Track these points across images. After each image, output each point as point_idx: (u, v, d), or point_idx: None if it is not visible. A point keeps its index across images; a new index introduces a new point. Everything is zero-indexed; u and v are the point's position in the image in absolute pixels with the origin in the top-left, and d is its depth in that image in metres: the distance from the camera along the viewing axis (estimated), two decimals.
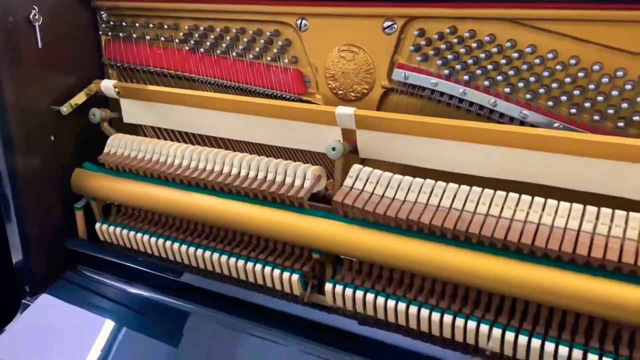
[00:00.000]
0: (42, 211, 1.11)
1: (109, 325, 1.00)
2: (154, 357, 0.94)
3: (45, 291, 1.07)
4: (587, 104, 0.75)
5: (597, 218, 0.70)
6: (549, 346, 0.72)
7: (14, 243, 1.09)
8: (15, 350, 1.00)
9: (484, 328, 0.75)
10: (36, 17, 1.04)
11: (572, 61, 0.75)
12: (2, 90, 1.03)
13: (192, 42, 1.06)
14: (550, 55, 0.77)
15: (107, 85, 1.12)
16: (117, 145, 1.09)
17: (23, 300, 1.09)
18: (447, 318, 0.77)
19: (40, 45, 1.07)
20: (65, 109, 1.10)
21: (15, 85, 1.04)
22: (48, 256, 1.12)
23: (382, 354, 0.82)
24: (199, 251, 0.97)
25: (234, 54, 1.01)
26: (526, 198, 0.74)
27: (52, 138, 1.12)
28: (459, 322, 0.77)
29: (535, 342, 0.73)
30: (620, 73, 0.73)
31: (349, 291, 0.83)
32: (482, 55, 0.81)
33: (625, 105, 0.73)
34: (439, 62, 0.83)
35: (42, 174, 1.10)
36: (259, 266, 0.91)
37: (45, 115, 1.10)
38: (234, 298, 0.94)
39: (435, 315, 0.77)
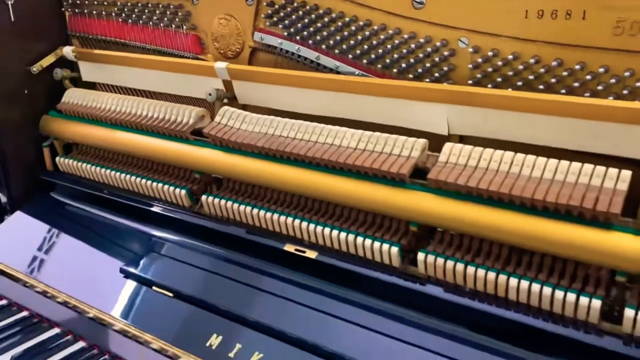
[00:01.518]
0: (18, 148, 1.43)
1: (66, 236, 1.32)
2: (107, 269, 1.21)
3: (19, 209, 1.41)
4: (373, 56, 1.00)
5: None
6: None
7: None
8: None
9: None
10: None
11: (366, 24, 1.00)
12: None
13: (124, 15, 1.35)
14: (349, 20, 1.02)
15: (67, 51, 1.43)
16: (72, 96, 1.40)
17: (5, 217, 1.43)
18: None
19: (12, 19, 1.39)
20: (35, 69, 1.42)
21: None
22: (23, 183, 1.45)
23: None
24: (136, 179, 1.26)
25: (151, 23, 1.29)
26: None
27: (26, 92, 1.44)
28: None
29: None
30: (397, 31, 0.98)
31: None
32: (308, 21, 1.06)
33: (398, 55, 0.98)
34: (281, 26, 1.09)
35: (18, 120, 1.43)
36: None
37: (20, 74, 1.42)
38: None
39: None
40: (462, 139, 0.95)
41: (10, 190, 1.43)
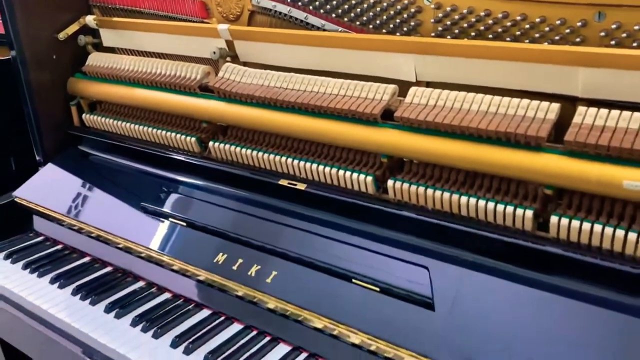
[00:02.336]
0: (49, 107, 1.62)
1: (93, 182, 1.51)
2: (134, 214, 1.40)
3: (51, 162, 1.60)
4: (353, 15, 1.15)
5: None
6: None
7: (31, 129, 1.61)
8: (33, 195, 1.53)
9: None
10: None
11: None
12: (17, 26, 1.53)
13: None
14: None
15: (90, 19, 1.60)
16: (94, 60, 1.58)
17: (39, 168, 1.62)
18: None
19: None
20: (61, 36, 1.59)
21: (26, 21, 1.53)
22: (54, 138, 1.63)
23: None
24: (152, 130, 1.45)
25: None
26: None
27: (54, 57, 1.62)
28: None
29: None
30: None
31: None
32: None
33: (373, 14, 1.13)
34: None
35: (48, 82, 1.61)
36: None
37: (48, 41, 1.59)
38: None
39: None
40: (428, 85, 1.10)
41: (42, 144, 1.62)
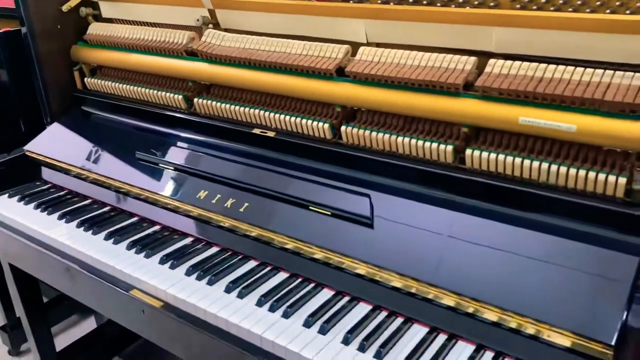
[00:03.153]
0: (54, 73, 1.81)
1: (95, 138, 1.71)
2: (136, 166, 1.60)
3: (57, 121, 1.80)
4: None
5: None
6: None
7: (39, 92, 1.81)
8: (42, 149, 1.73)
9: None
10: None
11: None
12: (26, 0, 1.72)
13: None
14: None
15: None
16: (95, 29, 1.77)
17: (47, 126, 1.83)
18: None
19: None
20: (65, 8, 1.78)
21: None
22: (59, 100, 1.83)
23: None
24: (145, 90, 1.65)
25: None
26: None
27: (59, 27, 1.81)
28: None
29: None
30: None
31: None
32: None
33: None
34: None
35: (54, 50, 1.80)
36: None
37: (53, 13, 1.78)
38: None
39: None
40: (379, 45, 1.29)
41: (50, 106, 1.82)
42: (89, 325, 2.32)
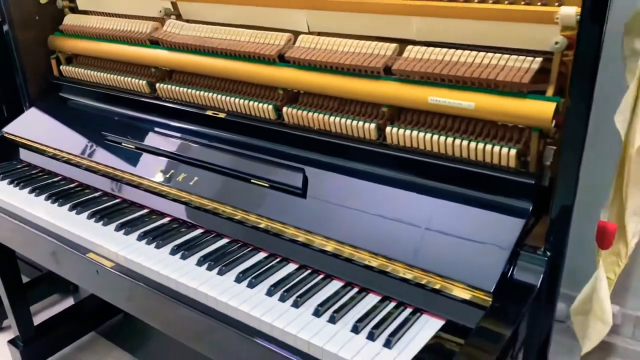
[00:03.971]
0: (33, 61, 1.94)
1: (69, 121, 1.84)
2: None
3: (34, 105, 1.93)
4: None
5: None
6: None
7: (18, 80, 1.94)
8: (20, 130, 1.86)
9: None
10: None
11: None
12: None
13: None
14: None
15: None
16: (71, 20, 1.90)
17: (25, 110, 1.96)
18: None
19: None
20: (43, 0, 1.92)
21: None
22: (37, 86, 1.96)
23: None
24: (114, 76, 1.78)
25: None
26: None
27: (37, 18, 1.94)
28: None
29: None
30: None
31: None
32: None
33: None
34: None
35: (32, 39, 1.93)
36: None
37: (32, 5, 1.91)
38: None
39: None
40: (320, 34, 1.42)
41: (28, 92, 1.95)
42: (69, 304, 2.44)
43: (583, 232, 1.27)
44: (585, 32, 0.92)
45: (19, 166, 1.80)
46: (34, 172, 1.75)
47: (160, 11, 1.64)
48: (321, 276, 1.17)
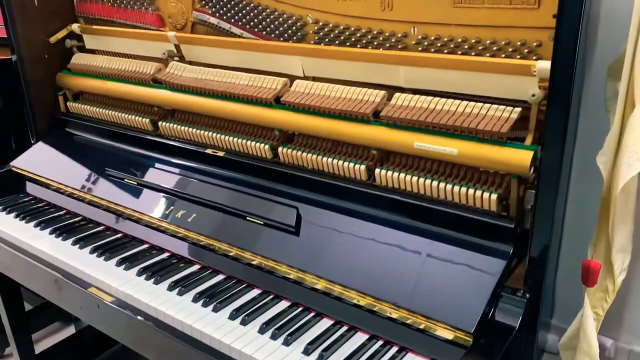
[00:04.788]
0: (41, 97, 2.02)
1: (75, 155, 1.91)
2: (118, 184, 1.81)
3: (41, 140, 2.01)
4: (260, 26, 1.55)
5: None
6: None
7: (27, 115, 2.02)
8: (26, 165, 1.93)
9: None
10: None
11: (255, 6, 1.54)
12: (17, 31, 1.93)
13: (112, 0, 1.92)
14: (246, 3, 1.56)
15: (75, 27, 2.01)
16: (78, 59, 1.99)
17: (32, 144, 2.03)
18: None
19: (36, 4, 1.97)
20: (52, 39, 2.00)
21: (23, 27, 1.93)
22: (45, 122, 2.04)
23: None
24: (119, 114, 1.85)
25: (129, 7, 1.86)
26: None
27: (46, 56, 2.02)
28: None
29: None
30: (273, 10, 1.52)
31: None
32: (223, 4, 1.61)
33: (274, 26, 1.52)
34: (208, 7, 1.65)
35: (41, 76, 2.01)
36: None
37: (42, 44, 2.00)
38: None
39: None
40: (315, 79, 1.49)
41: (36, 127, 2.03)
42: (70, 332, 2.48)
43: (574, 265, 1.32)
44: (555, 86, 0.98)
45: (26, 199, 1.86)
46: (39, 205, 1.81)
47: (164, 53, 1.72)
48: (312, 314, 1.21)
